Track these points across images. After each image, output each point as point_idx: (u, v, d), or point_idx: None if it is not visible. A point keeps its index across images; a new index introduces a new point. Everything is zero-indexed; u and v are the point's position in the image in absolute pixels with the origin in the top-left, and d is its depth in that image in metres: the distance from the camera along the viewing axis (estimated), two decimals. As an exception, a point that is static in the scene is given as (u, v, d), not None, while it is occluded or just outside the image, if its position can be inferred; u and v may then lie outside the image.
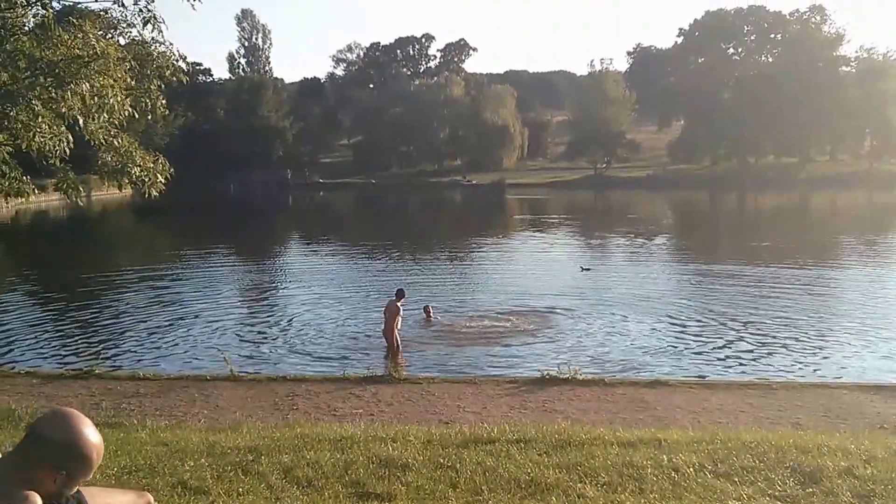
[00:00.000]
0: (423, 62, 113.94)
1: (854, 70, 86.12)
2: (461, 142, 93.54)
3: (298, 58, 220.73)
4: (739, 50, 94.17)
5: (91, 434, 2.41)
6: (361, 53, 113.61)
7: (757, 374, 11.25)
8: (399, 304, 12.89)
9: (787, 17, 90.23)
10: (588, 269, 22.31)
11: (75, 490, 2.91)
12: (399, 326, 12.91)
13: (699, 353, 12.79)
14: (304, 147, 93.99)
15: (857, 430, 6.35)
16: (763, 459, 4.87)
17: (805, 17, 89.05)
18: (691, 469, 4.69)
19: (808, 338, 13.77)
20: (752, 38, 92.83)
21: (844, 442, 5.38)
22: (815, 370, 11.50)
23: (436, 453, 5.16)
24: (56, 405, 2.49)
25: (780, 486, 4.46)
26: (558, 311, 16.45)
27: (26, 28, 8.99)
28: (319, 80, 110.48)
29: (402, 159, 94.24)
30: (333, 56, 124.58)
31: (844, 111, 79.41)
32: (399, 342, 12.79)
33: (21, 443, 2.41)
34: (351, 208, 62.48)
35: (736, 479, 4.55)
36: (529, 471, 4.73)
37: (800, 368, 11.62)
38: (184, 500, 4.20)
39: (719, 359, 12.40)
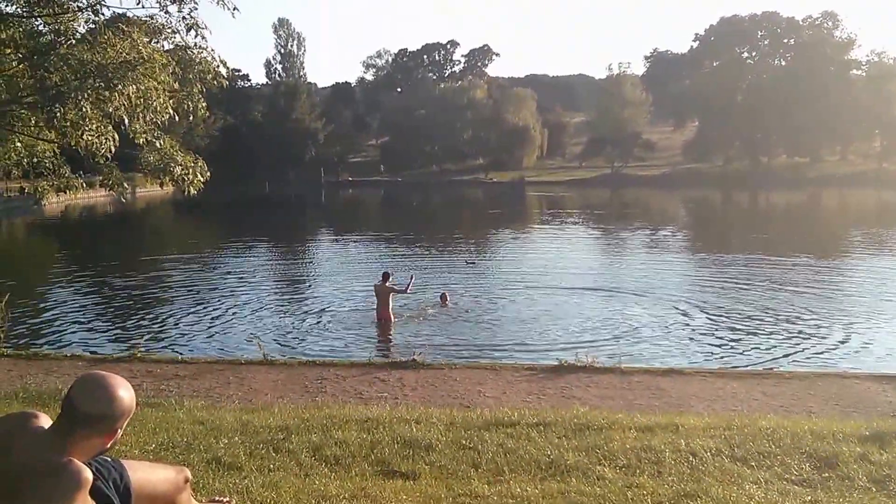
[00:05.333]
0: (448, 67, 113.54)
1: (865, 73, 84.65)
2: (483, 142, 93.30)
3: (331, 64, 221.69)
4: (753, 54, 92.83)
5: (125, 392, 2.40)
6: (390, 59, 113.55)
7: (770, 363, 11.05)
8: (388, 284, 13.84)
9: (800, 22, 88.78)
10: (473, 263, 21.93)
11: (117, 462, 2.89)
12: (392, 304, 13.91)
13: (713, 343, 12.60)
14: (335, 148, 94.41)
15: (871, 418, 6.16)
16: (779, 445, 4.72)
17: (817, 22, 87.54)
18: (709, 453, 4.56)
19: (822, 328, 13.50)
20: (766, 42, 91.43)
21: (859, 429, 5.21)
22: (827, 360, 11.25)
23: (458, 435, 5.08)
24: (86, 373, 2.46)
25: (796, 470, 4.33)
26: (574, 299, 16.37)
27: (77, 34, 9.04)
28: (350, 84, 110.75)
29: (426, 159, 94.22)
30: (363, 62, 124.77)
31: (855, 113, 78.14)
32: (393, 318, 13.86)
33: (63, 415, 2.38)
34: (378, 204, 62.63)
35: (753, 464, 4.42)
36: (549, 453, 4.64)
37: (813, 358, 11.39)
38: (218, 475, 4.16)
39: (733, 348, 12.21)
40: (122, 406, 2.37)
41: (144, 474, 2.98)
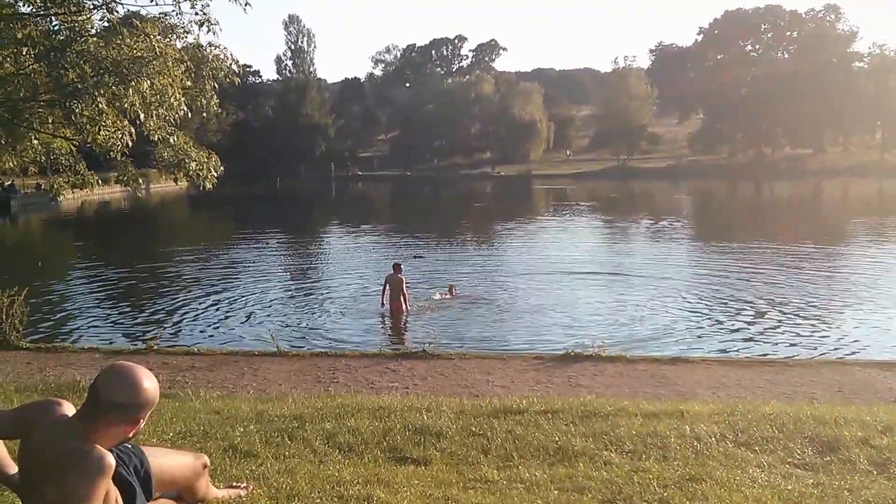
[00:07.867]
0: (456, 62, 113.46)
1: (866, 66, 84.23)
2: (491, 136, 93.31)
3: (340, 59, 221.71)
4: (757, 47, 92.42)
5: (149, 382, 2.43)
6: (398, 54, 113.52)
7: (774, 351, 11.05)
8: (400, 275, 13.81)
9: (803, 15, 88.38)
10: (421, 257, 21.95)
11: (137, 449, 2.92)
12: (409, 296, 13.95)
13: (718, 331, 12.59)
14: (345, 143, 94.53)
15: (872, 404, 6.15)
16: (782, 430, 4.73)
17: (820, 15, 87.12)
18: (713, 438, 4.57)
19: (824, 316, 13.47)
20: (769, 35, 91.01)
21: (860, 414, 5.20)
22: (830, 348, 11.23)
23: (468, 422, 5.10)
24: (112, 363, 2.49)
25: (798, 454, 4.34)
26: (581, 289, 16.38)
27: (93, 32, 9.08)
28: (359, 80, 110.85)
29: (435, 153, 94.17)
30: (372, 57, 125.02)
31: (857, 105, 77.82)
32: (405, 309, 13.78)
33: (89, 403, 2.41)
34: (387, 198, 62.65)
35: (756, 448, 4.43)
36: (557, 439, 4.65)
37: (816, 346, 11.37)
38: (235, 462, 4.19)
39: (737, 336, 12.20)
40: (146, 396, 2.40)
41: (164, 460, 3.02)
